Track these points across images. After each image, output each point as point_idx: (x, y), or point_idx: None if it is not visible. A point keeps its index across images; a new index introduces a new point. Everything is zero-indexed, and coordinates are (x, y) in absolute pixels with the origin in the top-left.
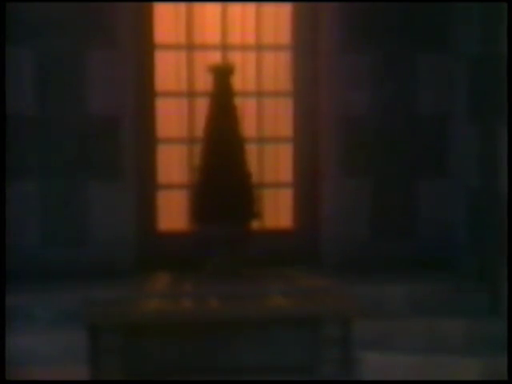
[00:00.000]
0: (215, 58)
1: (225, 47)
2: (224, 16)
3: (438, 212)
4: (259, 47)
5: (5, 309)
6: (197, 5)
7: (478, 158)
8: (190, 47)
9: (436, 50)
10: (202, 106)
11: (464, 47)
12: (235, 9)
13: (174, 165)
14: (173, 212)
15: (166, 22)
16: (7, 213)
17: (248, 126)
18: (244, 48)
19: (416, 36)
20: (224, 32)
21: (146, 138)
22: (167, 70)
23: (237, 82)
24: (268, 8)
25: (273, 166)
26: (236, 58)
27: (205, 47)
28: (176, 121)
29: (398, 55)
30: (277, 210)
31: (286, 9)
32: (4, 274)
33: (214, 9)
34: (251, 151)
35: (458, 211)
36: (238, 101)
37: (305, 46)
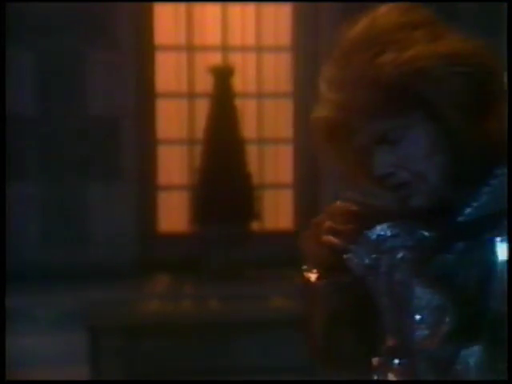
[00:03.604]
0: (215, 59)
1: (225, 48)
2: (224, 17)
3: None
4: (259, 48)
5: (5, 309)
6: (197, 6)
7: None
8: (190, 48)
9: None
10: (203, 107)
11: None
12: (235, 10)
13: (175, 166)
14: (173, 213)
15: (166, 24)
16: (8, 214)
17: (248, 127)
18: (244, 49)
19: None
20: (224, 33)
21: (147, 139)
22: (167, 71)
23: (237, 83)
24: (268, 9)
25: (273, 167)
26: (236, 59)
27: (205, 48)
28: (176, 122)
29: None
30: (277, 211)
31: (286, 10)
32: (4, 275)
33: (213, 10)
34: (251, 152)
35: None
36: (238, 102)
37: (305, 47)
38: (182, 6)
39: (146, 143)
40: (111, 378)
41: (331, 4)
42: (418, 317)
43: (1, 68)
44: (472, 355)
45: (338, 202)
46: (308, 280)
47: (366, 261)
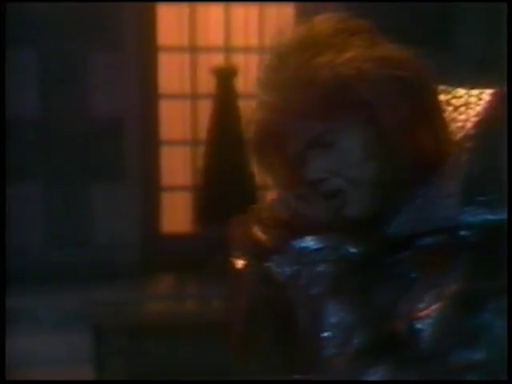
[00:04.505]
0: (218, 60)
1: (228, 49)
2: (227, 18)
3: None
4: (262, 49)
5: (5, 309)
6: (200, 7)
7: None
8: (193, 49)
9: (437, 49)
10: (206, 107)
11: (465, 47)
12: (238, 11)
13: (178, 167)
14: (176, 214)
15: (169, 25)
16: (10, 214)
17: None
18: (247, 50)
19: (419, 36)
20: (227, 34)
21: (150, 140)
22: (170, 72)
23: (240, 84)
24: (271, 10)
25: None
26: (239, 60)
27: (208, 49)
28: (179, 123)
29: None
30: None
31: (289, 11)
32: (4, 275)
33: (217, 11)
34: None
35: None
36: (241, 103)
37: None
38: (185, 7)
39: (149, 144)
40: (114, 378)
41: (334, 4)
42: (327, 334)
43: (1, 68)
44: (376, 374)
45: (273, 203)
46: (234, 266)
47: (287, 271)
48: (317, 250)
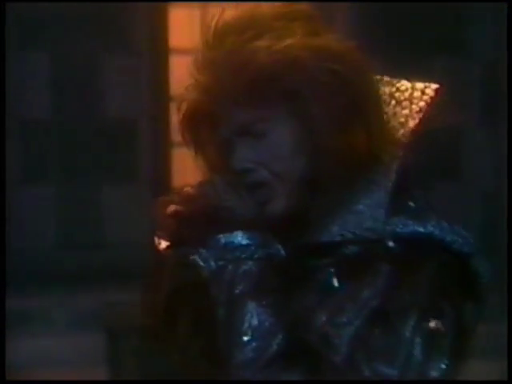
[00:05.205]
0: None
1: None
2: None
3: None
4: None
5: (5, 309)
6: (211, 9)
7: (491, 161)
8: None
9: (450, 53)
10: None
11: (478, 51)
12: None
13: (189, 168)
14: None
15: (181, 27)
16: (24, 216)
17: None
18: None
19: (431, 38)
20: None
21: (162, 142)
22: (182, 74)
23: None
24: None
25: None
26: None
27: None
28: None
29: (412, 58)
30: None
31: None
32: (4, 275)
33: (228, 13)
34: None
35: (469, 214)
36: None
37: None
38: (197, 9)
39: (161, 145)
40: (128, 379)
41: (346, 4)
42: (245, 338)
43: (1, 68)
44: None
45: (201, 186)
46: (157, 246)
47: (212, 265)
48: (243, 246)
